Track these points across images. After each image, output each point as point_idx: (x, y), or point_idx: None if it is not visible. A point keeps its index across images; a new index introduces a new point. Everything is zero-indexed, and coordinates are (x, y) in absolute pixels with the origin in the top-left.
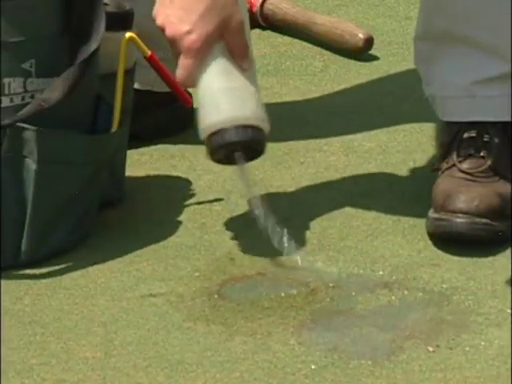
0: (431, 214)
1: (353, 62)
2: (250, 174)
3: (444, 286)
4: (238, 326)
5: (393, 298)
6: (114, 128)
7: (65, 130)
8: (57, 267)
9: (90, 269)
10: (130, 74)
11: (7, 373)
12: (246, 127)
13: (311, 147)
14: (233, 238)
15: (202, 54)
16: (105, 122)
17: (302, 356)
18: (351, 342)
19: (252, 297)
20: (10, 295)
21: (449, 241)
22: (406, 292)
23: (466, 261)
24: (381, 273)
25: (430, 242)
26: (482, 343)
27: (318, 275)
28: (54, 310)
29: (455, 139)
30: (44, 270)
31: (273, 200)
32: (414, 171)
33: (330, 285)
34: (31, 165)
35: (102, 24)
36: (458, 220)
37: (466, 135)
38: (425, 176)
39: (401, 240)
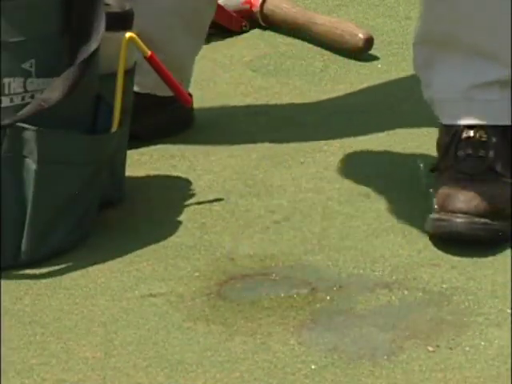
0: (431, 214)
1: (353, 61)
2: None
3: (444, 285)
4: (237, 325)
5: (393, 298)
6: (114, 128)
7: (65, 130)
8: (57, 267)
9: (90, 269)
10: (130, 74)
11: (7, 373)
12: None
13: (311, 147)
14: (233, 238)
15: None
16: (105, 122)
17: (302, 356)
18: (351, 342)
19: (252, 297)
20: (10, 295)
21: (449, 241)
22: (405, 292)
23: (465, 261)
24: (381, 273)
25: (430, 242)
26: (482, 343)
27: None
28: (54, 310)
29: (453, 140)
30: (44, 270)
31: (273, 200)
32: (414, 171)
33: (330, 285)
34: (31, 165)
35: (102, 24)
36: (458, 220)
37: (464, 135)
38: (425, 176)
39: (401, 240)
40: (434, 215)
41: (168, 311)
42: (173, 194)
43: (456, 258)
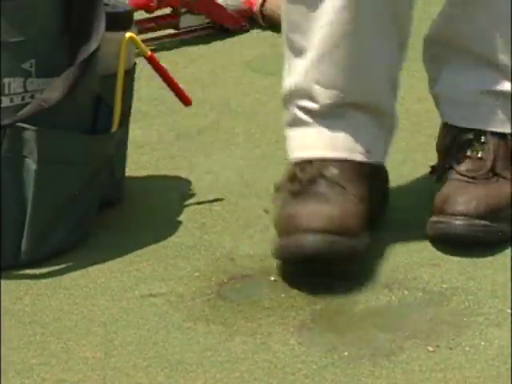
0: (431, 216)
1: None
2: None
3: (444, 285)
4: (237, 325)
5: (393, 298)
6: (114, 128)
7: (65, 130)
8: (57, 267)
9: (90, 269)
10: (129, 74)
11: (7, 373)
12: None
13: None
14: (233, 238)
15: None
16: (105, 122)
17: (302, 356)
18: (351, 342)
19: (252, 297)
20: (10, 295)
21: (449, 241)
22: (405, 292)
23: (465, 261)
24: (381, 273)
25: (429, 243)
26: (482, 343)
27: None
28: (54, 310)
29: (454, 142)
30: (44, 270)
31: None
32: (414, 171)
33: (331, 285)
34: (31, 165)
35: (102, 24)
36: (457, 222)
37: (464, 137)
38: (425, 176)
39: (401, 240)
40: (433, 217)
41: (168, 311)
42: (173, 194)
43: (456, 258)
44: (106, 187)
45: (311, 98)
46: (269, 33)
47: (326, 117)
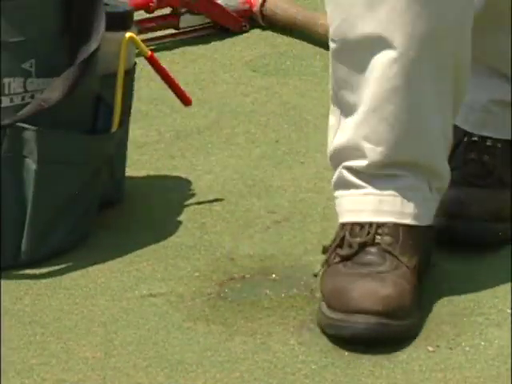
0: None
1: None
2: None
3: (444, 286)
4: (237, 326)
5: None
6: (114, 128)
7: (65, 130)
8: (57, 267)
9: (90, 269)
10: (129, 74)
11: (7, 373)
12: None
13: (311, 147)
14: (233, 238)
15: None
16: (105, 122)
17: (301, 356)
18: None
19: (252, 297)
20: (10, 295)
21: (449, 244)
22: None
23: (466, 261)
24: None
25: None
26: (482, 343)
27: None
28: (54, 310)
29: (459, 144)
30: (44, 270)
31: (273, 200)
32: None
33: None
34: (31, 165)
35: (102, 24)
36: (458, 224)
37: (470, 139)
38: None
39: None
40: (434, 220)
41: (168, 311)
42: (173, 194)
43: (456, 258)
44: (106, 187)
45: (360, 156)
46: (269, 33)
47: (375, 178)
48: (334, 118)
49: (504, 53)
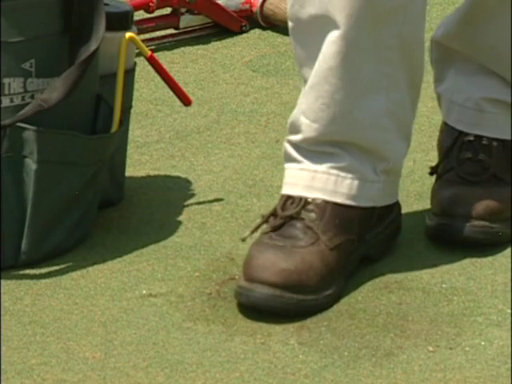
0: (430, 218)
1: None
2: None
3: (444, 285)
4: (237, 326)
5: (393, 298)
6: (114, 128)
7: (65, 130)
8: (57, 267)
9: (90, 269)
10: (129, 74)
11: (7, 373)
12: None
13: None
14: (233, 238)
15: None
16: (105, 122)
17: (301, 356)
18: (351, 342)
19: None
20: (10, 295)
21: (449, 243)
22: (405, 292)
23: (465, 261)
24: (381, 273)
25: (429, 243)
26: (482, 343)
27: None
28: (54, 310)
29: (455, 143)
30: (44, 270)
31: (273, 200)
32: (413, 171)
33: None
34: (31, 165)
35: (102, 24)
36: (457, 224)
37: (465, 139)
38: (425, 176)
39: (401, 240)
40: (432, 219)
41: (168, 311)
42: (173, 194)
43: (456, 258)
44: (105, 187)
45: (298, 131)
46: (269, 33)
47: (311, 153)
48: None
49: (493, 48)
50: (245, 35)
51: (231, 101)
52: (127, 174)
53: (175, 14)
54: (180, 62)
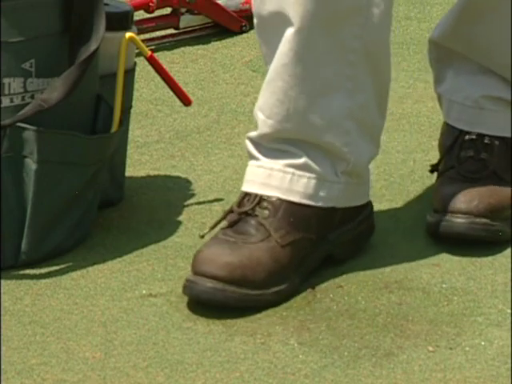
0: (431, 215)
1: None
2: None
3: (444, 285)
4: (237, 326)
5: (393, 298)
6: (114, 128)
7: (65, 130)
8: (57, 267)
9: (90, 269)
10: (129, 74)
11: (7, 373)
12: None
13: None
14: None
15: None
16: (105, 122)
17: (301, 356)
18: (351, 342)
19: None
20: (10, 295)
21: (449, 241)
22: (405, 292)
23: (465, 261)
24: (381, 273)
25: (430, 242)
26: (482, 343)
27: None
28: (54, 310)
29: (456, 142)
30: (44, 270)
31: None
32: (413, 171)
33: (330, 285)
34: (31, 165)
35: (102, 24)
36: (458, 220)
37: (467, 137)
38: (425, 176)
39: (401, 240)
40: (434, 215)
41: (168, 311)
42: (173, 194)
43: (456, 258)
44: (105, 187)
45: (256, 127)
46: None
47: (268, 151)
48: None
49: (488, 47)
50: (245, 35)
51: (231, 101)
52: (127, 174)
53: (175, 13)
54: (180, 62)
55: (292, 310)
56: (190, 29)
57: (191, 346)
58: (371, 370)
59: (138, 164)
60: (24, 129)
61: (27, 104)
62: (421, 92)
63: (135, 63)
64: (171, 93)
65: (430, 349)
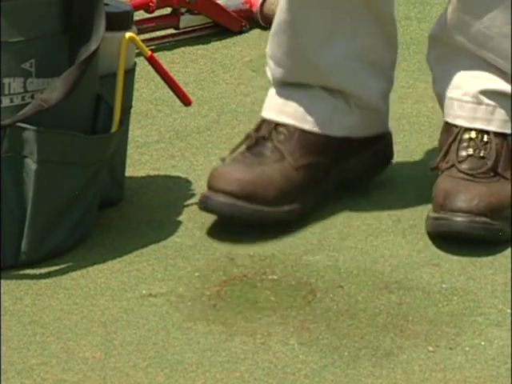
0: (431, 213)
1: None
2: None
3: (444, 285)
4: (237, 326)
5: (392, 298)
6: (114, 128)
7: (65, 130)
8: (57, 267)
9: (90, 269)
10: (129, 74)
11: (7, 373)
12: None
13: None
14: (233, 238)
15: None
16: (105, 122)
17: (301, 356)
18: (351, 342)
19: (252, 297)
20: (10, 295)
21: (449, 240)
22: (405, 292)
23: (466, 261)
24: (381, 273)
25: (430, 242)
26: (482, 343)
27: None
28: (54, 310)
29: (455, 140)
30: (44, 270)
31: None
32: (413, 171)
33: (330, 285)
34: (31, 165)
35: (102, 24)
36: (458, 219)
37: (466, 136)
38: (425, 176)
39: (401, 240)
40: (433, 214)
41: (168, 311)
42: (173, 194)
43: (456, 258)
44: (106, 187)
45: (269, 69)
46: (269, 33)
47: (284, 85)
48: None
49: (486, 36)
50: (245, 35)
51: (231, 101)
52: (127, 174)
53: (175, 14)
54: (180, 62)
55: (292, 310)
56: (190, 29)
57: (191, 346)
58: (371, 370)
59: (138, 164)
60: (24, 129)
61: (27, 104)
62: (421, 92)
63: (135, 63)
64: (171, 93)
65: (430, 349)
